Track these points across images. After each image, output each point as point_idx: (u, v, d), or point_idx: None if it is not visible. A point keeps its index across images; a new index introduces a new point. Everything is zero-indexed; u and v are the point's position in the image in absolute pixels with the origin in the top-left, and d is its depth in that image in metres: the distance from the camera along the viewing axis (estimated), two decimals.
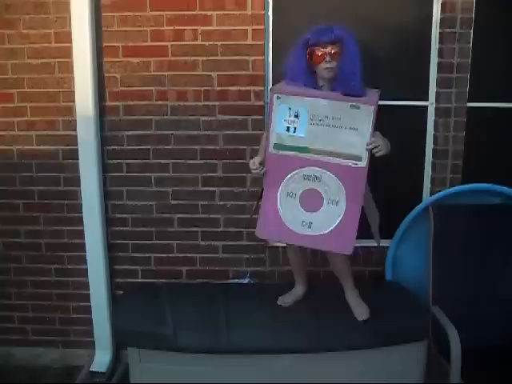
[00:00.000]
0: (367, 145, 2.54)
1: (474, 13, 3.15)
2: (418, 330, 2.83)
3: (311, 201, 2.64)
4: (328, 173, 2.61)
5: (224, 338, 2.72)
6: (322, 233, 2.65)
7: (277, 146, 2.63)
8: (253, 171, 2.72)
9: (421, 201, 3.40)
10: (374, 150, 2.55)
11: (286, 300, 3.02)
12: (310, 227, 2.65)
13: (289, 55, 2.68)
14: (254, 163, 2.70)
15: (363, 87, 2.58)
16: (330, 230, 2.64)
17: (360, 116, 2.52)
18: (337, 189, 2.62)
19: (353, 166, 2.58)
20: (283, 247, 3.43)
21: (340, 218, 2.63)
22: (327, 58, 2.55)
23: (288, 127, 2.59)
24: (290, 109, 2.57)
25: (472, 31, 3.17)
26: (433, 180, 3.41)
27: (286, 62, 2.69)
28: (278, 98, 2.57)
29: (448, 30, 3.18)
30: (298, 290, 3.07)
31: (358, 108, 2.52)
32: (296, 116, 2.57)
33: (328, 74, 2.60)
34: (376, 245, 2.98)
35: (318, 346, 2.73)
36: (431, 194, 3.39)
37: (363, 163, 2.57)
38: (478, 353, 2.74)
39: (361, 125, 2.53)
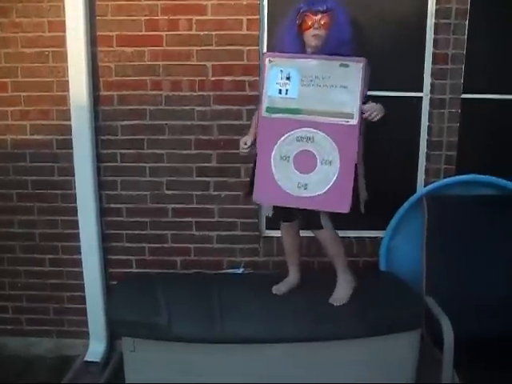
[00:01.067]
0: (363, 112, 2.59)
1: (470, 4, 3.16)
2: (412, 320, 2.84)
3: (305, 162, 2.66)
4: (320, 133, 2.64)
5: (218, 328, 2.72)
6: (318, 193, 2.67)
7: (269, 110, 2.67)
8: (242, 150, 2.78)
9: (415, 192, 3.41)
10: (371, 117, 2.60)
11: (280, 288, 3.03)
12: (305, 188, 2.67)
13: (281, 25, 2.76)
14: (245, 142, 2.76)
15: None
16: (326, 189, 2.66)
17: (349, 74, 2.59)
18: (330, 148, 2.64)
19: (345, 123, 2.62)
20: (277, 237, 3.44)
21: (335, 178, 2.65)
22: (316, 25, 2.63)
23: (280, 90, 2.64)
24: (281, 71, 2.63)
25: (467, 22, 3.18)
26: (427, 171, 3.42)
27: (278, 31, 2.79)
28: (270, 61, 2.63)
29: (443, 20, 3.18)
30: (292, 278, 3.07)
31: (347, 66, 2.59)
32: (288, 78, 2.62)
33: (314, 41, 2.66)
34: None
35: (312, 335, 2.74)
36: (425, 184, 3.41)
37: (354, 121, 2.61)
38: (470, 343, 2.74)
39: (350, 83, 2.60)
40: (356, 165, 2.66)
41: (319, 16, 2.62)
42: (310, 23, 2.63)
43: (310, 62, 2.62)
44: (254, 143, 2.75)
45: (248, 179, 2.93)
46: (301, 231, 3.05)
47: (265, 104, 2.67)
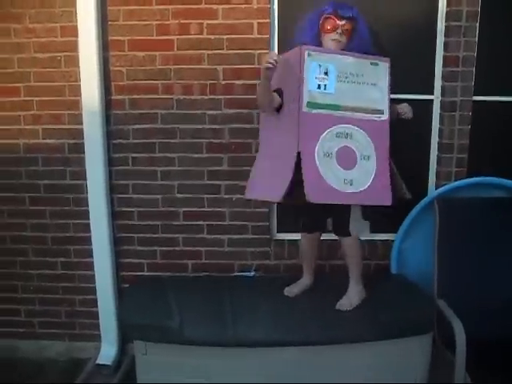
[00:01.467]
0: (401, 114, 2.73)
1: (480, 6, 3.15)
2: (423, 323, 2.83)
3: (346, 158, 2.65)
4: (357, 129, 2.66)
5: (230, 331, 2.72)
6: (362, 189, 2.67)
7: (310, 105, 2.59)
8: (269, 64, 2.50)
9: (426, 194, 3.41)
10: (406, 115, 2.75)
11: (292, 290, 3.03)
12: (351, 184, 2.65)
13: (301, 22, 2.76)
14: (275, 54, 2.60)
15: None
16: (368, 185, 2.68)
17: (378, 72, 2.69)
18: (366, 144, 2.68)
19: (377, 119, 2.69)
20: (288, 240, 3.46)
21: (374, 172, 2.69)
22: (339, 30, 2.64)
23: (319, 85, 2.59)
24: (320, 66, 2.58)
25: (478, 24, 3.17)
26: (438, 174, 3.42)
27: (297, 28, 2.77)
28: (310, 54, 2.56)
29: (454, 23, 3.18)
30: (306, 280, 3.09)
31: (377, 65, 2.69)
32: (326, 73, 2.59)
33: (333, 45, 2.67)
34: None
35: (324, 338, 2.73)
36: (436, 187, 3.40)
37: (385, 116, 2.70)
38: (482, 346, 2.73)
39: (379, 80, 2.70)
40: (389, 159, 2.72)
41: (343, 22, 2.64)
42: (332, 27, 2.65)
43: (346, 58, 2.63)
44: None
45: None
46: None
47: (305, 99, 2.57)
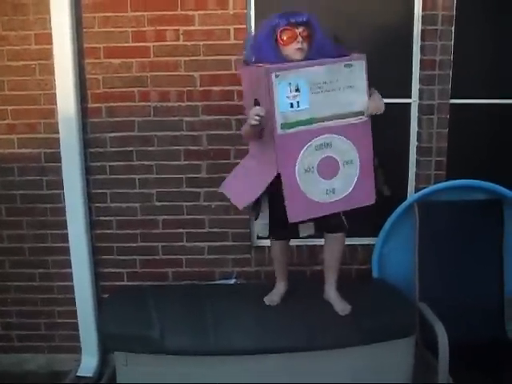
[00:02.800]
0: (367, 112, 2.61)
1: (456, 10, 3.17)
2: (405, 327, 2.83)
3: (328, 168, 2.62)
4: (336, 136, 2.61)
5: (211, 340, 2.70)
6: (345, 194, 2.66)
7: (284, 126, 2.53)
8: (254, 122, 2.48)
9: (406, 198, 3.41)
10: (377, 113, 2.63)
11: (273, 299, 3.01)
12: (334, 193, 2.64)
13: (254, 40, 2.69)
14: (261, 110, 2.49)
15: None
16: (351, 189, 2.66)
17: (354, 73, 2.57)
18: (348, 149, 2.63)
19: (357, 122, 2.62)
20: (269, 247, 3.41)
21: (357, 175, 2.67)
22: (299, 39, 2.55)
23: (291, 103, 2.53)
24: (290, 84, 2.50)
25: (453, 28, 3.19)
26: (417, 177, 3.43)
27: (251, 47, 2.69)
28: (277, 76, 2.48)
29: (429, 27, 3.20)
30: (281, 286, 3.05)
31: (351, 66, 2.56)
32: (297, 90, 2.52)
33: (297, 54, 2.58)
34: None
35: (306, 344, 2.72)
36: (416, 191, 3.41)
37: (366, 117, 2.63)
38: (464, 349, 2.75)
39: (356, 81, 2.58)
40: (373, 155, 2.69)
41: (301, 29, 2.54)
42: (291, 37, 2.55)
43: (316, 69, 2.54)
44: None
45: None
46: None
47: (278, 121, 2.51)
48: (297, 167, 2.58)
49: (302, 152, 2.58)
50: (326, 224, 2.83)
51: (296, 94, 2.52)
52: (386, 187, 2.84)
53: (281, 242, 2.98)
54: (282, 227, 2.77)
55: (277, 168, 2.56)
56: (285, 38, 2.57)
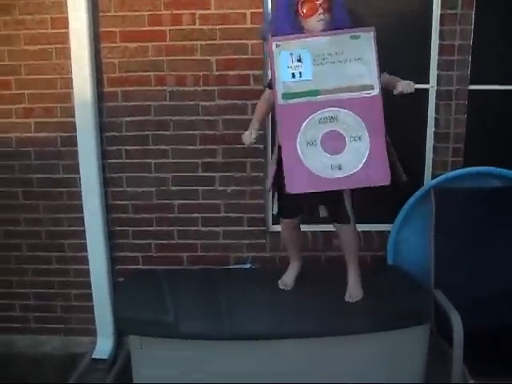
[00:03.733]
0: (397, 91, 2.54)
1: None
2: (420, 314, 2.81)
3: (333, 143, 2.55)
4: (343, 110, 2.53)
5: (225, 325, 2.71)
6: (354, 171, 2.56)
7: (285, 96, 2.51)
8: (247, 144, 2.68)
9: (422, 184, 3.38)
10: (406, 91, 2.56)
11: (286, 281, 3.01)
12: (340, 169, 2.55)
13: (272, 12, 2.67)
14: (250, 135, 2.63)
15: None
16: (360, 166, 2.56)
17: (362, 45, 2.50)
18: (356, 124, 2.54)
19: (367, 96, 2.53)
20: None
21: (368, 152, 2.55)
22: (320, 10, 2.52)
23: (293, 73, 2.50)
24: (291, 54, 2.49)
25: (473, 12, 3.14)
26: (434, 163, 3.40)
27: (272, 18, 2.70)
28: (278, 45, 2.48)
29: (449, 11, 3.14)
30: (294, 266, 3.06)
31: (358, 37, 2.49)
32: (299, 60, 2.49)
33: (320, 26, 2.55)
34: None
35: (321, 330, 2.72)
36: (432, 177, 3.38)
37: (376, 91, 2.52)
38: (479, 336, 2.73)
39: (364, 54, 2.50)
40: (386, 135, 2.58)
41: (320, 0, 2.51)
42: (312, 9, 2.52)
43: (319, 39, 2.50)
44: (257, 137, 2.68)
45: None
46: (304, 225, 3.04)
47: (279, 91, 2.51)
48: (298, 139, 2.54)
49: (304, 124, 2.53)
50: (331, 213, 2.84)
51: (298, 64, 2.49)
52: (402, 173, 2.73)
53: (287, 222, 2.96)
54: (288, 204, 2.78)
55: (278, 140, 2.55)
56: (305, 11, 2.54)
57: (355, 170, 2.57)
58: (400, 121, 2.98)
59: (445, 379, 2.72)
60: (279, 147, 2.59)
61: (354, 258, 2.91)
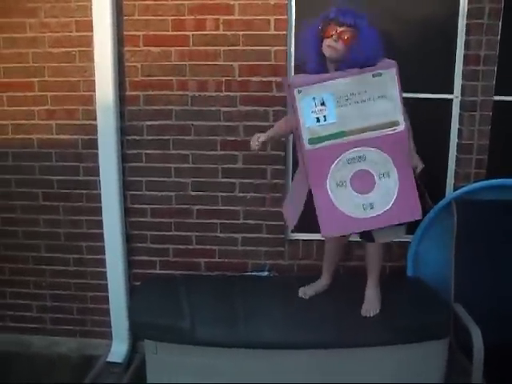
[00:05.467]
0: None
1: (503, 3, 3.07)
2: (440, 328, 2.79)
3: (363, 182, 2.56)
4: (370, 149, 2.54)
5: (241, 332, 2.70)
6: (386, 208, 2.58)
7: (312, 141, 2.52)
8: (254, 146, 2.70)
9: (444, 196, 3.34)
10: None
11: (307, 292, 3.00)
12: (372, 208, 2.57)
13: (304, 29, 2.65)
14: (257, 138, 2.68)
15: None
16: (392, 202, 2.58)
17: (384, 82, 2.49)
18: (384, 161, 2.55)
19: (392, 132, 2.53)
20: (303, 240, 3.41)
21: (397, 188, 2.58)
22: (334, 37, 2.49)
23: (317, 117, 2.50)
24: (314, 98, 2.48)
25: (500, 23, 3.09)
26: (456, 175, 3.35)
27: (301, 34, 2.70)
28: (300, 91, 2.47)
29: (475, 21, 3.10)
30: (324, 280, 3.05)
31: (381, 75, 2.48)
32: (322, 104, 2.48)
33: (328, 51, 2.53)
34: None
35: (337, 341, 2.70)
36: (455, 189, 3.33)
37: (401, 126, 2.53)
38: (499, 352, 2.69)
39: (388, 90, 2.50)
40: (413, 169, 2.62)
41: (342, 28, 2.48)
42: (330, 33, 2.50)
43: (341, 81, 2.48)
44: (265, 143, 2.74)
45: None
46: None
47: (306, 136, 2.51)
48: (328, 181, 2.55)
49: (333, 166, 2.54)
50: (360, 233, 2.82)
51: (322, 108, 2.49)
52: (428, 199, 2.79)
53: (332, 242, 2.98)
54: None
55: (307, 185, 2.57)
56: (324, 32, 2.53)
57: (387, 207, 2.59)
58: (423, 131, 2.94)
59: None
60: (309, 191, 2.60)
61: (376, 272, 2.90)
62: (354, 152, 2.54)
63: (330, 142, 2.52)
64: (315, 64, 2.59)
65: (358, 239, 2.93)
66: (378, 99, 2.51)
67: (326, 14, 2.55)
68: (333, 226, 2.60)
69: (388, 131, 2.53)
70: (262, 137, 2.67)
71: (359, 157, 2.54)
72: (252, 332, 2.70)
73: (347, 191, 2.56)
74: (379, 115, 2.52)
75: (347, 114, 2.51)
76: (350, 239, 3.01)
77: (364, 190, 2.57)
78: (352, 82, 2.49)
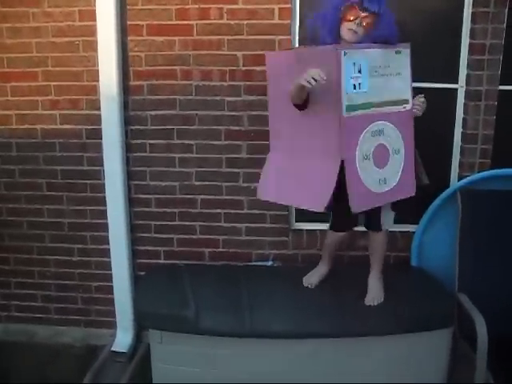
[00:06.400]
0: (420, 101, 2.61)
1: None
2: (444, 317, 2.79)
3: (380, 157, 2.55)
4: (387, 123, 2.55)
5: (246, 321, 2.71)
6: (394, 184, 2.61)
7: (349, 108, 2.42)
8: (309, 81, 2.28)
9: (448, 186, 3.33)
10: (417, 109, 2.62)
11: (311, 280, 3.01)
12: (385, 183, 2.57)
13: (324, 7, 2.54)
14: (321, 72, 2.28)
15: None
16: (397, 179, 2.61)
17: (401, 60, 2.57)
18: (396, 137, 2.58)
19: (402, 110, 2.59)
20: (307, 230, 3.41)
21: (402, 165, 2.62)
22: (357, 21, 2.44)
23: (354, 85, 2.44)
24: (354, 64, 2.42)
25: (506, 10, 3.07)
26: (461, 165, 3.34)
27: (316, 12, 2.58)
28: (346, 53, 2.38)
29: (481, 9, 3.08)
30: (323, 268, 3.05)
31: (400, 53, 2.55)
32: (359, 71, 2.44)
33: (348, 35, 2.48)
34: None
35: (342, 331, 2.71)
36: (459, 179, 3.33)
37: (410, 105, 2.60)
38: (504, 342, 2.69)
39: (403, 69, 2.58)
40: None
41: (366, 14, 2.44)
42: (352, 16, 2.45)
43: (374, 51, 2.48)
44: None
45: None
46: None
47: (344, 102, 2.39)
48: (357, 153, 2.48)
49: (361, 137, 2.48)
50: (366, 221, 2.85)
51: (358, 75, 2.44)
52: (425, 175, 2.79)
53: (339, 235, 2.96)
54: (343, 218, 2.77)
55: (340, 154, 2.43)
56: (346, 16, 2.47)
57: (394, 184, 2.61)
58: (427, 121, 2.93)
59: None
60: (342, 162, 2.44)
61: (380, 262, 2.90)
62: (376, 125, 2.52)
63: (360, 112, 2.47)
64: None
65: (359, 229, 2.94)
66: (395, 76, 2.56)
67: None
68: (361, 201, 2.52)
69: (400, 108, 2.58)
70: (321, 74, 2.30)
71: (380, 130, 2.53)
72: (256, 321, 2.71)
73: (370, 165, 2.52)
74: (396, 91, 2.57)
75: (374, 85, 2.49)
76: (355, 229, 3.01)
77: (381, 164, 2.56)
78: (382, 54, 2.51)
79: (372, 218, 2.79)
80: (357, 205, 2.48)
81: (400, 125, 2.58)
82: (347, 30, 2.49)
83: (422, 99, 2.63)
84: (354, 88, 2.43)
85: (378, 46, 2.50)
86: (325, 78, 2.28)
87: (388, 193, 2.59)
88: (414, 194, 2.66)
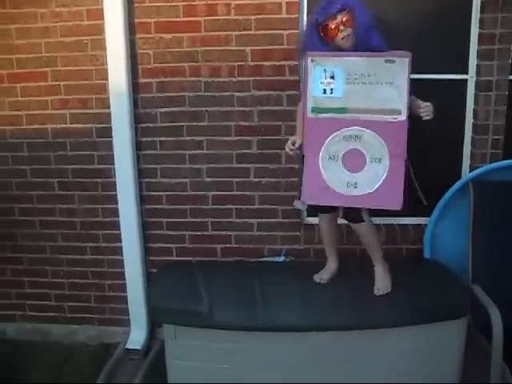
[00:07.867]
0: (425, 105, 2.60)
1: None
2: (458, 308, 2.77)
3: (354, 161, 2.63)
4: (368, 131, 2.60)
5: (259, 316, 2.71)
6: (368, 191, 2.64)
7: (314, 110, 2.62)
8: (289, 151, 2.72)
9: (460, 177, 3.31)
10: (426, 114, 2.60)
11: (322, 277, 2.99)
12: (355, 187, 2.64)
13: (301, 42, 2.77)
14: (293, 143, 2.71)
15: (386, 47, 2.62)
16: (376, 187, 2.64)
17: (395, 69, 2.56)
18: (378, 146, 2.61)
19: (393, 120, 2.58)
20: (318, 225, 3.40)
21: (385, 175, 2.63)
22: (341, 27, 2.57)
23: (325, 89, 2.59)
24: (325, 70, 2.57)
25: None
26: (473, 156, 3.32)
27: (303, 40, 2.77)
28: (313, 60, 2.57)
29: None
30: (332, 265, 3.04)
31: (393, 62, 2.55)
32: (332, 77, 2.57)
33: (346, 42, 2.60)
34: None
35: (355, 323, 2.70)
36: (471, 170, 3.31)
37: (403, 116, 2.58)
38: None
39: (396, 78, 2.56)
40: (406, 161, 2.63)
41: (339, 17, 2.55)
42: (335, 29, 2.57)
43: (354, 60, 2.56)
44: (301, 145, 2.72)
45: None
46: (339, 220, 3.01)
47: (310, 104, 2.61)
48: (321, 153, 2.64)
49: (329, 138, 2.62)
50: (344, 214, 2.88)
51: (330, 81, 2.57)
52: (422, 195, 2.78)
53: (324, 217, 2.95)
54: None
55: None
56: (328, 34, 2.60)
57: (370, 191, 2.66)
58: (438, 112, 2.92)
59: (484, 376, 2.66)
60: (303, 157, 2.73)
61: (377, 251, 2.90)
62: (351, 130, 2.61)
63: (331, 115, 2.61)
64: None
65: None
66: (385, 85, 2.57)
67: (313, 21, 2.63)
68: (315, 195, 2.69)
69: (389, 118, 2.59)
70: (298, 141, 2.70)
71: (356, 136, 2.62)
72: (270, 315, 2.71)
73: (337, 166, 2.65)
74: (384, 100, 2.58)
75: (353, 92, 2.59)
76: None
77: (353, 168, 2.65)
78: (364, 63, 2.57)
79: (351, 212, 2.80)
80: (308, 195, 2.71)
81: (385, 135, 2.60)
82: (342, 40, 2.60)
83: (426, 103, 2.62)
84: (325, 92, 2.58)
85: (362, 55, 2.56)
86: (293, 147, 2.69)
87: (361, 198, 2.65)
88: (399, 208, 2.63)
